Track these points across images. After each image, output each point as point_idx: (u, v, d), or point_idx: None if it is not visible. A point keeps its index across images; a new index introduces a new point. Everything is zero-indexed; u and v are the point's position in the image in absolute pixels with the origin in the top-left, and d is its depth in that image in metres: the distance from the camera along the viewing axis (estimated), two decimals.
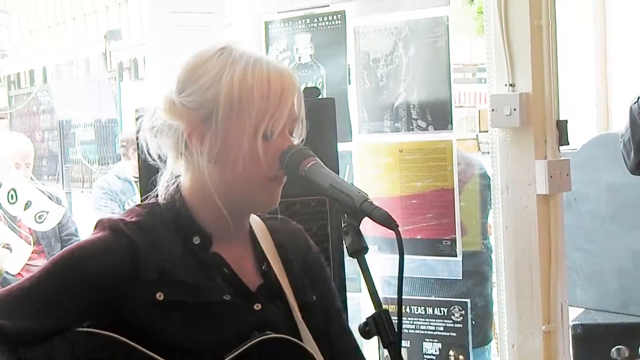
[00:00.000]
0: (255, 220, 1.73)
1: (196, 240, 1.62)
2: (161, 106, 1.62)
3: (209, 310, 1.57)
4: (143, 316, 1.55)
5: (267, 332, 1.58)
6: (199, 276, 1.59)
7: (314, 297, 1.71)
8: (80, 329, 1.54)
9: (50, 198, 4.48)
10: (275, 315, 1.63)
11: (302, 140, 1.65)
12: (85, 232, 4.34)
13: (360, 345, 1.82)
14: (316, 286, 1.74)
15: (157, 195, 1.67)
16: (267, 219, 1.75)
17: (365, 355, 1.81)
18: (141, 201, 2.86)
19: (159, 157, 1.67)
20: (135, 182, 4.82)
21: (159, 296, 1.55)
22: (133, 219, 1.61)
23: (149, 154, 1.67)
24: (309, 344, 1.63)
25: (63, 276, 1.56)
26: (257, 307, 1.62)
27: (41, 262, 4.42)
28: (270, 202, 1.63)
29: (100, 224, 1.62)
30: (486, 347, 3.71)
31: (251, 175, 1.58)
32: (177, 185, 1.64)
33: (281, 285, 1.66)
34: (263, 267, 1.68)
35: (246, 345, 1.55)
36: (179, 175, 1.65)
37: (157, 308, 1.55)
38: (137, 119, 1.73)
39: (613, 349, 1.64)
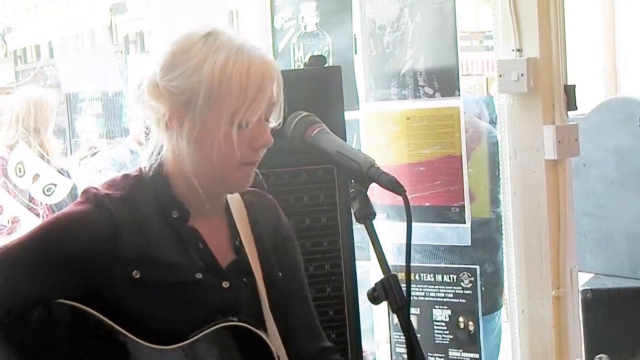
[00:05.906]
0: (233, 195, 1.77)
1: (175, 214, 1.67)
2: (145, 86, 1.66)
3: (180, 291, 1.63)
4: (118, 292, 1.60)
5: (230, 317, 1.63)
6: (175, 252, 1.65)
7: (280, 274, 1.77)
8: (60, 301, 1.57)
9: (60, 172, 4.48)
10: (241, 294, 1.69)
11: (279, 125, 1.68)
12: None
13: (370, 310, 1.85)
14: (284, 261, 1.80)
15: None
16: (244, 193, 1.79)
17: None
18: None
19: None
20: None
21: (135, 274, 1.60)
22: (117, 194, 1.66)
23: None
24: (269, 323, 1.69)
25: (43, 247, 1.59)
26: (225, 284, 1.68)
27: None
28: (242, 183, 1.68)
29: (85, 194, 1.66)
30: (496, 313, 3.72)
31: (225, 160, 1.63)
32: (161, 157, 1.69)
33: (250, 262, 1.71)
34: (236, 243, 1.73)
35: (203, 332, 1.60)
36: (162, 146, 1.69)
37: (132, 286, 1.60)
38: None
39: (595, 357, 1.66)
